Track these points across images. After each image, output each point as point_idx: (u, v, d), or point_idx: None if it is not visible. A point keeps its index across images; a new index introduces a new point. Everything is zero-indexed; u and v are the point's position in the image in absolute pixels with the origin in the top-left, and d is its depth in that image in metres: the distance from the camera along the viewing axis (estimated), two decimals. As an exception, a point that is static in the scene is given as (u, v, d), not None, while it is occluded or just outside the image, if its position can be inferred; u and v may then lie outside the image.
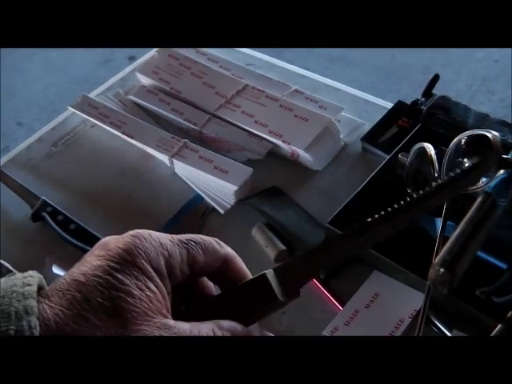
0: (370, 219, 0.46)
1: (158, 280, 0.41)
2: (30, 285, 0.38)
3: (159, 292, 0.41)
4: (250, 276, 0.47)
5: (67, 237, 0.85)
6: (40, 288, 0.39)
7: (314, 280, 0.76)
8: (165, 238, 0.44)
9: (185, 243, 0.44)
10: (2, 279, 0.39)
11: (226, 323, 0.43)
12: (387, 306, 0.73)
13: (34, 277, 0.39)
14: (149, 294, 0.40)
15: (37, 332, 0.36)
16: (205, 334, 0.41)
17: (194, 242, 0.45)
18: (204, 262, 0.45)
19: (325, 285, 0.76)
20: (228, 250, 0.47)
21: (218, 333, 0.42)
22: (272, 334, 0.68)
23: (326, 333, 0.71)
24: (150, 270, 0.41)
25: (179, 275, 0.44)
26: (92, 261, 0.41)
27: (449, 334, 0.69)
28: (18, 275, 0.39)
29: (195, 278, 0.47)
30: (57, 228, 0.86)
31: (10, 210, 0.92)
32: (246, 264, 0.81)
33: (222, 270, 0.46)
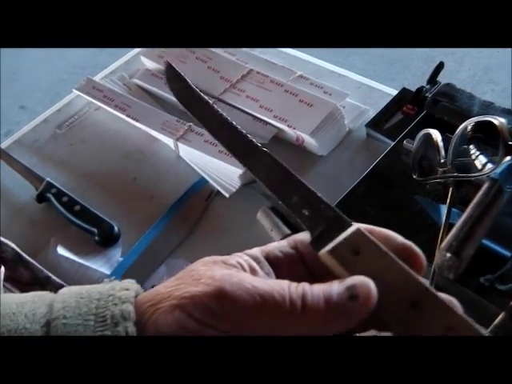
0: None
1: None
2: (127, 289, 0.38)
3: None
4: None
5: (72, 218, 0.85)
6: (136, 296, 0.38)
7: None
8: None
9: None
10: (99, 284, 0.38)
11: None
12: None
13: (132, 283, 0.39)
14: None
15: None
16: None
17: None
18: None
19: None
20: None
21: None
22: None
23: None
24: None
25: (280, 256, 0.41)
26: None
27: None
28: (116, 281, 0.39)
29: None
30: (62, 209, 0.86)
31: (15, 192, 0.92)
32: (250, 248, 0.81)
33: None
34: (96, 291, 0.37)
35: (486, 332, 0.65)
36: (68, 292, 0.38)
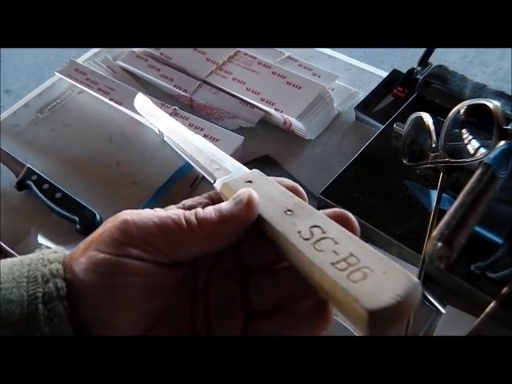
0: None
1: None
2: (56, 252, 0.41)
3: None
4: None
5: (53, 206, 0.82)
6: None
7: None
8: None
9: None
10: (32, 253, 0.41)
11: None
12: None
13: (61, 248, 0.42)
14: None
15: (64, 293, 0.38)
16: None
17: None
18: None
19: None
20: None
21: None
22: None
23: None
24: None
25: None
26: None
27: (442, 310, 0.67)
28: (46, 249, 0.42)
29: None
30: (42, 197, 0.84)
31: (-6, 178, 0.90)
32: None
33: None
34: (27, 258, 0.40)
35: (475, 320, 0.64)
36: (2, 262, 0.41)
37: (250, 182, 0.43)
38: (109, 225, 0.40)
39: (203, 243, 0.40)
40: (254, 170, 0.44)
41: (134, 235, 0.39)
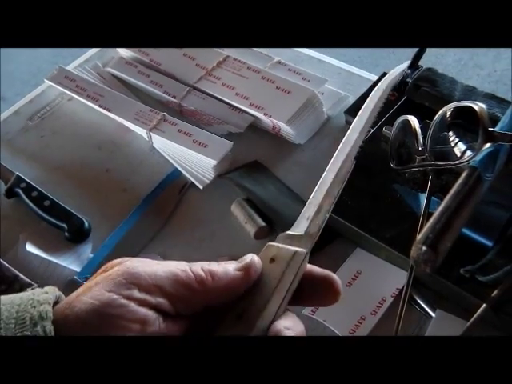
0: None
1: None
2: (46, 293, 0.40)
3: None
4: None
5: (42, 213, 0.82)
6: (57, 303, 0.41)
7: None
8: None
9: None
10: (24, 292, 0.41)
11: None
12: (369, 285, 0.71)
13: (54, 288, 0.41)
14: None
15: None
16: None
17: None
18: None
19: (306, 262, 0.74)
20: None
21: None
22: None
23: (306, 312, 0.69)
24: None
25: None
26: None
27: (432, 314, 0.67)
28: (38, 288, 0.42)
29: None
30: (31, 204, 0.83)
31: (-18, 187, 0.89)
32: (225, 240, 0.79)
33: None
34: (18, 297, 0.40)
35: (466, 324, 0.63)
36: None
37: (273, 260, 0.43)
38: (116, 268, 0.41)
39: (210, 294, 0.41)
40: (299, 250, 0.43)
41: (143, 278, 0.40)
